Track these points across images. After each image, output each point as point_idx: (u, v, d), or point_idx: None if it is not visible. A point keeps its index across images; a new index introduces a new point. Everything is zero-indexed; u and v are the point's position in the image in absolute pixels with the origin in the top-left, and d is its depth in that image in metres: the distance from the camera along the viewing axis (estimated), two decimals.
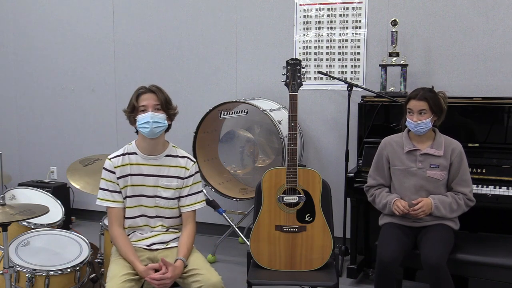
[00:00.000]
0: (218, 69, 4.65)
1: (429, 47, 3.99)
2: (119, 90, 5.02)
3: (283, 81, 2.99)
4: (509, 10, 3.78)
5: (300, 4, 4.34)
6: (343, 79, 4.05)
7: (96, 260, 3.17)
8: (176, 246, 2.73)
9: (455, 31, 3.91)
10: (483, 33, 3.85)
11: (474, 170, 3.34)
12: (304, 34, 4.35)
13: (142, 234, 2.76)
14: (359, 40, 4.19)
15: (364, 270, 3.80)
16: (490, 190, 3.27)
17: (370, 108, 3.80)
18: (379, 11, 4.10)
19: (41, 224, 3.22)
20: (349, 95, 3.89)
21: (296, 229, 2.91)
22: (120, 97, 4.97)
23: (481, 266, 2.92)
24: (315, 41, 4.33)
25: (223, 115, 4.12)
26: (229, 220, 4.17)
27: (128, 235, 2.75)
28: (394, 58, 3.88)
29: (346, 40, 4.23)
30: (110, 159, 2.74)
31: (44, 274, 2.84)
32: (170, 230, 2.80)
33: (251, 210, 3.91)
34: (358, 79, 4.21)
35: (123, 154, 2.75)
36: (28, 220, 3.15)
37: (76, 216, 5.21)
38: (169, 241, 2.77)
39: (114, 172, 2.71)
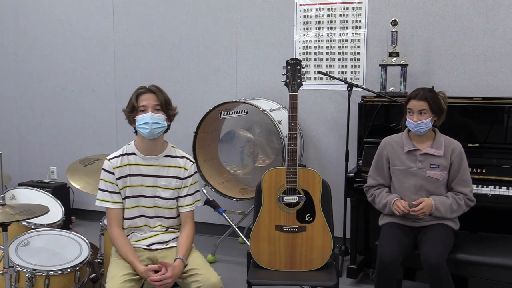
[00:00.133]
0: (218, 69, 4.65)
1: (429, 47, 3.99)
2: (119, 90, 5.02)
3: (283, 81, 2.99)
4: (509, 10, 3.78)
5: (300, 4, 4.34)
6: (343, 79, 4.05)
7: (96, 260, 3.17)
8: (176, 246, 2.72)
9: (455, 31, 3.91)
10: (483, 33, 3.85)
11: (474, 170, 3.34)
12: (304, 34, 4.35)
13: (141, 234, 2.76)
14: (359, 40, 4.19)
15: (364, 270, 3.80)
16: (490, 190, 3.27)
17: (370, 108, 3.80)
18: (379, 11, 4.10)
19: (41, 224, 3.22)
20: (349, 95, 3.89)
21: (296, 229, 2.91)
22: (120, 97, 4.97)
23: (481, 266, 2.92)
24: (315, 41, 4.33)
25: (223, 115, 4.12)
26: (229, 220, 4.17)
27: (128, 235, 2.75)
28: (394, 58, 3.88)
29: (346, 40, 4.23)
30: (109, 160, 2.74)
31: (44, 274, 2.84)
32: (169, 230, 2.80)
33: (251, 210, 3.91)
34: (358, 79, 4.21)
35: (122, 155, 2.74)
36: (28, 220, 3.15)
37: (76, 216, 5.21)
38: (169, 240, 2.77)
39: (113, 173, 2.71)
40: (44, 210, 2.66)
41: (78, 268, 2.95)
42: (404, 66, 3.86)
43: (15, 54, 5.42)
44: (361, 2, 4.15)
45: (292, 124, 2.92)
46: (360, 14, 4.17)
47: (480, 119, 3.54)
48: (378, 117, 3.77)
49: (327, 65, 4.32)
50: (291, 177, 2.88)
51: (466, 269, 2.97)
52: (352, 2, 4.18)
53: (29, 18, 5.31)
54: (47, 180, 5.17)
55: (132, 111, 2.69)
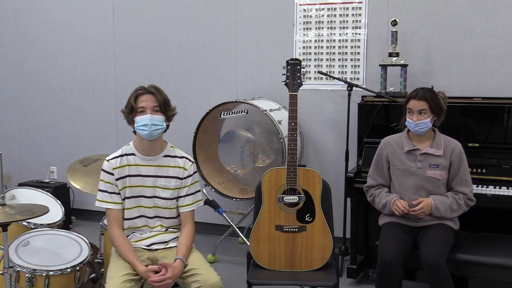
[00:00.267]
0: (218, 69, 4.65)
1: (429, 47, 3.99)
2: (119, 90, 5.02)
3: (283, 81, 2.99)
4: (509, 10, 3.78)
5: (300, 4, 4.34)
6: (343, 79, 4.05)
7: (96, 260, 3.17)
8: (176, 246, 2.72)
9: (455, 31, 3.91)
10: (483, 33, 3.85)
11: (474, 170, 3.34)
12: (304, 34, 4.35)
13: (141, 234, 2.76)
14: (359, 40, 4.19)
15: (364, 270, 3.80)
16: (490, 190, 3.27)
17: (370, 108, 3.80)
18: (379, 11, 4.10)
19: (41, 224, 3.22)
20: (349, 95, 3.89)
21: (296, 229, 2.91)
22: (120, 97, 4.97)
23: (481, 266, 2.92)
24: (315, 41, 4.33)
25: (223, 115, 4.12)
26: (229, 220, 4.17)
27: (127, 236, 2.75)
28: (394, 58, 3.88)
29: (346, 40, 4.23)
30: (108, 160, 2.73)
31: (44, 274, 2.84)
32: (169, 230, 2.80)
33: (251, 210, 3.91)
34: (358, 79, 4.21)
35: (121, 156, 2.74)
36: (28, 220, 3.15)
37: (76, 216, 5.21)
38: (169, 240, 2.77)
39: (112, 174, 2.71)
40: (44, 210, 2.66)
41: (78, 268, 2.95)
42: (404, 66, 3.86)
43: (15, 54, 5.42)
44: (361, 2, 4.15)
45: (292, 124, 2.92)
46: (360, 14, 4.17)
47: (480, 119, 3.53)
48: (378, 117, 3.77)
49: (327, 65, 4.32)
50: (291, 177, 2.88)
51: (466, 269, 2.97)
52: (352, 2, 4.18)
53: (29, 18, 5.31)
54: (47, 180, 5.17)
55: (131, 112, 2.69)
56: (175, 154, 2.79)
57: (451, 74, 3.94)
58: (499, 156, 3.39)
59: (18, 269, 2.82)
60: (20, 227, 3.17)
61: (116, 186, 2.71)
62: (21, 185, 4.87)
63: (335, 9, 4.25)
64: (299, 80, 2.96)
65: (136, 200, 2.73)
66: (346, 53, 4.24)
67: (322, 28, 4.30)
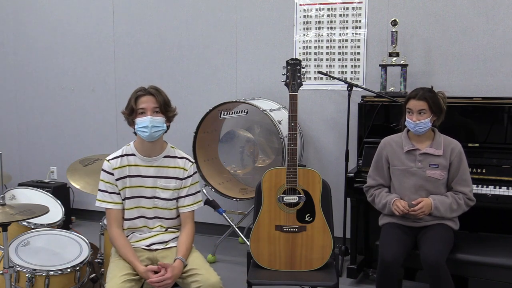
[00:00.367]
0: (218, 69, 4.65)
1: (429, 47, 3.99)
2: (119, 90, 5.02)
3: (283, 81, 2.99)
4: (509, 10, 3.77)
5: (300, 4, 4.34)
6: (343, 79, 4.05)
7: (96, 260, 3.17)
8: (176, 246, 2.72)
9: (455, 31, 3.91)
10: (483, 33, 3.85)
11: (474, 170, 3.34)
12: (304, 34, 4.35)
13: (140, 235, 2.76)
14: (359, 40, 4.19)
15: (364, 270, 3.80)
16: (490, 190, 3.27)
17: (370, 108, 3.80)
18: (379, 11, 4.10)
19: (41, 224, 3.22)
20: (349, 95, 3.89)
21: (296, 229, 2.91)
22: (120, 97, 4.97)
23: (481, 266, 2.92)
24: (315, 41, 4.33)
25: (223, 115, 4.12)
26: (229, 220, 4.17)
27: (127, 236, 2.75)
28: (394, 58, 3.88)
29: (346, 40, 4.23)
30: (108, 160, 2.73)
31: (44, 274, 2.84)
32: (169, 230, 2.80)
33: (251, 210, 3.91)
34: (358, 79, 4.21)
35: (121, 156, 2.74)
36: (28, 220, 3.15)
37: (76, 216, 5.21)
38: (169, 240, 2.77)
39: (112, 174, 2.71)
40: (44, 210, 2.66)
41: (78, 268, 2.95)
42: (404, 66, 3.86)
43: (15, 54, 5.42)
44: (361, 2, 4.15)
45: (292, 124, 2.92)
46: (360, 14, 4.17)
47: (480, 119, 3.53)
48: (378, 117, 3.77)
49: (327, 65, 4.32)
50: (291, 177, 2.88)
51: (466, 269, 2.97)
52: (352, 2, 4.18)
53: (29, 18, 5.31)
54: (47, 180, 5.17)
55: (131, 113, 2.68)
56: (175, 155, 2.79)
57: (451, 74, 3.94)
58: (499, 156, 3.39)
59: (18, 269, 2.82)
60: (20, 227, 3.17)
61: (116, 186, 2.71)
62: (21, 185, 4.87)
63: (335, 9, 4.25)
64: (299, 80, 2.96)
65: (136, 201, 2.74)
66: (346, 53, 4.24)
67: (322, 28, 4.30)
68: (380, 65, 3.93)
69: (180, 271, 2.57)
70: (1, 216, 2.53)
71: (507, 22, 3.78)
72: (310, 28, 4.33)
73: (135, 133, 2.73)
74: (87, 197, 4.74)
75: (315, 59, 4.35)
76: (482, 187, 3.28)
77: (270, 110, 4.06)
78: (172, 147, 2.81)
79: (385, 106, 3.75)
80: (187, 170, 2.77)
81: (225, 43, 4.60)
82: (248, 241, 3.02)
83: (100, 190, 2.74)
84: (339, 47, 4.26)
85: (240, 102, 4.13)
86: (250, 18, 4.50)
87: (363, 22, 4.16)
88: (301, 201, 2.90)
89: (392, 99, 3.70)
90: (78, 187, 3.35)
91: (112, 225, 2.71)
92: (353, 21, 4.19)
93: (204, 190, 4.22)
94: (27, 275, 2.81)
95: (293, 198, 2.89)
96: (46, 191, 3.70)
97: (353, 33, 4.20)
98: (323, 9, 4.28)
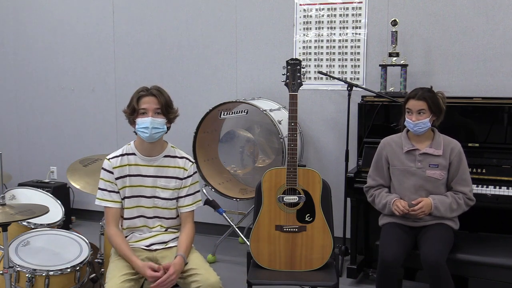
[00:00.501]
0: (218, 69, 4.65)
1: (429, 47, 3.99)
2: (119, 90, 5.02)
3: (283, 81, 2.99)
4: (509, 10, 3.78)
5: (300, 4, 4.34)
6: (343, 79, 4.05)
7: (96, 260, 3.17)
8: (175, 246, 2.72)
9: (455, 31, 3.91)
10: (483, 33, 3.85)
11: (474, 170, 3.34)
12: (304, 34, 4.35)
13: (140, 234, 2.76)
14: (359, 40, 4.19)
15: (364, 270, 3.80)
16: (490, 190, 3.27)
17: (370, 108, 3.80)
18: (379, 11, 4.10)
19: (41, 224, 3.22)
20: (349, 95, 3.89)
21: (296, 229, 2.91)
22: (120, 97, 4.97)
23: (481, 266, 2.92)
24: (315, 41, 4.33)
25: (223, 115, 4.12)
26: (229, 220, 4.17)
27: (127, 236, 2.76)
28: (394, 58, 3.88)
29: (346, 40, 4.23)
30: (108, 159, 2.74)
31: (44, 274, 2.84)
32: (169, 230, 2.80)
33: (251, 210, 3.91)
34: (358, 79, 4.21)
35: (121, 155, 2.74)
36: (28, 220, 3.15)
37: (76, 216, 5.21)
38: (168, 241, 2.77)
39: (112, 172, 2.71)
40: (44, 210, 2.66)
41: (78, 268, 2.95)
42: (404, 66, 3.86)
43: (15, 54, 5.42)
44: (361, 2, 4.15)
45: (292, 124, 2.92)
46: (360, 14, 4.17)
47: (480, 119, 3.53)
48: (378, 117, 3.77)
49: (327, 65, 4.32)
50: (291, 177, 2.88)
51: (466, 269, 2.97)
52: (352, 2, 4.18)
53: (29, 18, 5.31)
54: (47, 180, 5.17)
55: (132, 113, 2.69)
56: (175, 155, 2.79)
57: (451, 74, 3.94)
58: (499, 156, 3.39)
59: (18, 269, 2.82)
60: (20, 227, 3.17)
61: (116, 185, 2.71)
62: (21, 185, 4.87)
63: (335, 9, 4.25)
64: (299, 80, 2.96)
65: (136, 200, 2.74)
66: (346, 53, 4.24)
67: (322, 28, 4.30)
68: (380, 65, 3.93)
69: (181, 267, 2.57)
70: (1, 216, 2.53)
71: (507, 22, 3.78)
72: (310, 28, 4.33)
73: (135, 132, 2.73)
74: (87, 197, 4.73)
75: (315, 59, 4.35)
76: (482, 187, 3.28)
77: (270, 110, 4.06)
78: (173, 147, 2.81)
79: (385, 106, 3.75)
80: (187, 170, 2.77)
81: (225, 43, 4.60)
82: (248, 241, 3.02)
83: (99, 188, 2.74)
84: (339, 47, 4.26)
85: (240, 102, 4.13)
86: (250, 18, 4.50)
87: (363, 22, 4.17)
88: (301, 201, 2.90)
89: (392, 99, 3.70)
90: (78, 187, 3.35)
91: (110, 223, 2.71)
92: (353, 21, 4.19)
93: (204, 190, 4.22)
94: (27, 275, 2.81)
95: (293, 198, 2.89)
96: (46, 191, 3.70)
97: (353, 33, 4.20)
98: (323, 9, 4.28)
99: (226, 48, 4.60)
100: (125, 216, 2.74)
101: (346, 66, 4.25)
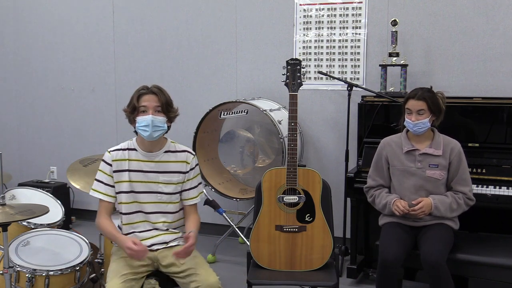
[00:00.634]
0: (218, 69, 4.65)
1: (429, 47, 3.99)
2: (119, 90, 5.02)
3: (283, 81, 2.99)
4: (509, 10, 3.78)
5: (300, 4, 4.34)
6: (343, 79, 4.05)
7: (96, 260, 3.17)
8: (176, 245, 2.72)
9: (455, 31, 3.91)
10: (483, 33, 3.85)
11: (474, 170, 3.34)
12: (304, 34, 4.35)
13: (141, 233, 2.75)
14: (359, 40, 4.19)
15: (364, 270, 3.80)
16: (490, 190, 3.27)
17: (370, 108, 3.80)
18: (379, 11, 4.10)
19: (41, 224, 3.22)
20: (349, 95, 3.89)
21: (296, 229, 2.91)
22: (120, 97, 4.97)
23: (481, 266, 2.92)
24: (315, 41, 4.33)
25: (223, 115, 4.12)
26: (229, 220, 4.17)
27: (127, 234, 2.75)
28: (394, 58, 3.88)
29: (346, 40, 4.23)
30: (109, 151, 2.75)
31: (44, 274, 2.84)
32: (170, 230, 2.79)
33: (251, 210, 3.91)
34: (358, 79, 4.21)
35: (123, 149, 2.75)
36: (28, 220, 3.15)
37: (76, 216, 5.21)
38: (170, 241, 2.76)
39: (111, 165, 2.72)
40: (44, 210, 2.66)
41: (78, 268, 2.95)
42: (404, 66, 3.86)
43: (15, 54, 5.42)
44: (361, 2, 4.15)
45: (292, 124, 2.92)
46: (360, 14, 4.17)
47: (480, 119, 3.53)
48: (378, 117, 3.77)
49: (327, 65, 4.32)
50: (291, 177, 2.88)
51: (466, 269, 2.97)
52: (352, 2, 4.18)
53: (29, 18, 5.31)
54: (47, 180, 5.17)
55: (133, 111, 2.69)
56: (176, 149, 2.79)
57: (451, 74, 3.94)
58: (499, 156, 3.39)
59: (18, 269, 2.82)
60: (20, 227, 3.17)
61: (112, 177, 2.71)
62: (21, 185, 4.87)
63: (335, 9, 4.25)
64: (299, 80, 2.96)
65: (135, 196, 2.73)
66: (346, 53, 4.24)
67: (322, 28, 4.30)
68: (380, 65, 3.93)
69: (195, 240, 2.59)
70: (1, 216, 2.53)
71: (507, 22, 3.78)
72: (310, 28, 4.33)
73: (135, 132, 2.73)
74: (87, 197, 4.68)
75: (315, 59, 4.35)
76: (482, 187, 3.28)
77: (270, 110, 4.06)
78: (172, 142, 2.81)
79: (385, 106, 3.75)
80: (189, 163, 2.77)
81: (225, 43, 4.60)
82: (248, 241, 3.02)
83: (96, 179, 2.75)
84: (339, 47, 4.26)
85: (240, 102, 4.13)
86: (250, 18, 4.50)
87: (363, 22, 4.17)
88: (301, 201, 2.90)
89: (392, 99, 3.70)
90: (78, 187, 3.35)
91: (101, 214, 2.73)
92: (353, 21, 4.19)
93: (204, 190, 4.21)
94: (27, 275, 2.81)
95: (293, 198, 2.89)
96: (46, 191, 3.70)
97: (353, 33, 4.20)
98: (323, 9, 4.28)
99: (226, 48, 4.60)
100: (123, 211, 2.74)
101: (346, 66, 4.25)
